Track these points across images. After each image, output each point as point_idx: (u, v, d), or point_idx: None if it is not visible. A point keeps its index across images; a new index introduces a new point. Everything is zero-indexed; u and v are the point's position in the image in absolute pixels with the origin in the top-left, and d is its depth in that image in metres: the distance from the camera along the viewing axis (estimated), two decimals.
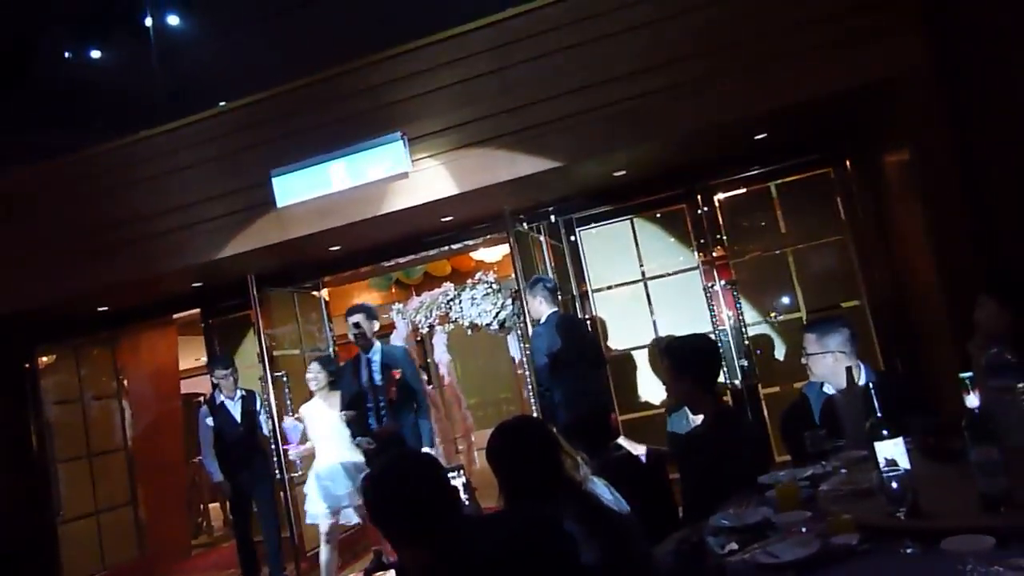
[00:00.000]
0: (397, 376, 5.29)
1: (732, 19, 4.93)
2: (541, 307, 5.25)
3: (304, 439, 5.75)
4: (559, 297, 5.49)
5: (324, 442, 5.63)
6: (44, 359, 7.21)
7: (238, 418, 5.99)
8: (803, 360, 3.17)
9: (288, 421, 5.94)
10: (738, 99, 4.92)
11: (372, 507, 2.02)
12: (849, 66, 4.72)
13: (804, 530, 2.04)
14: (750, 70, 4.89)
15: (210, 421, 5.93)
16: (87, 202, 6.29)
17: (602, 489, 2.45)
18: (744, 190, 6.06)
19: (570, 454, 2.41)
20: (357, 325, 5.40)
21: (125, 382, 7.68)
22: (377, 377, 5.35)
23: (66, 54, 7.84)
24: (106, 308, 7.02)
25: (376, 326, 5.57)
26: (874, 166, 5.60)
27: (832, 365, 3.03)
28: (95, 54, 7.40)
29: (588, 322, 6.08)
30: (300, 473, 6.17)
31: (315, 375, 5.73)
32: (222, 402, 5.99)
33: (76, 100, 8.10)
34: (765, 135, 5.50)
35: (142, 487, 7.52)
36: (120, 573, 7.06)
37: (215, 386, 6.17)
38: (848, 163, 5.81)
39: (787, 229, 6.05)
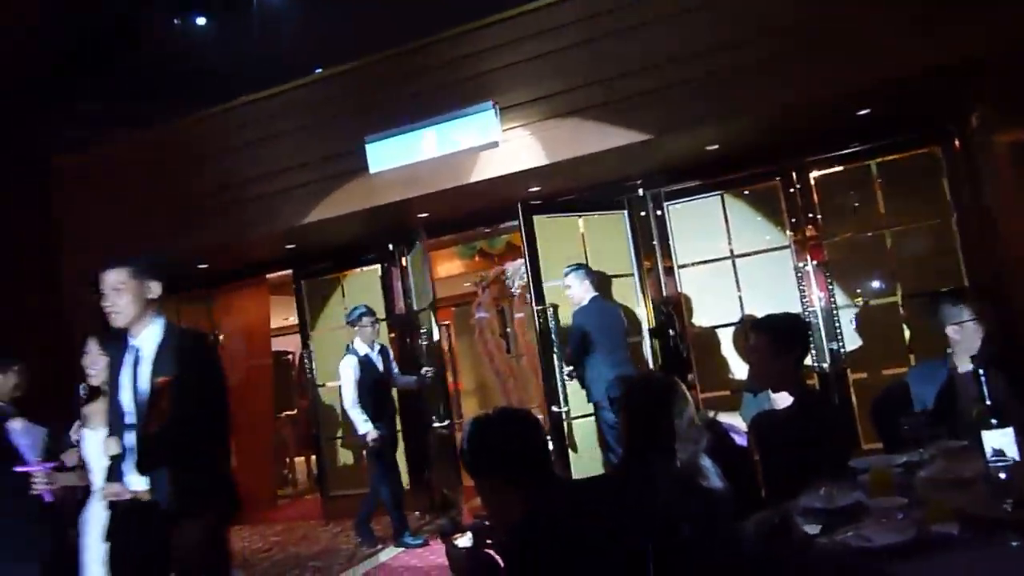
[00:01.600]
0: None
1: None
2: (584, 292, 5.57)
3: None
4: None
5: None
6: None
7: (381, 368, 6.06)
8: (949, 331, 3.22)
9: None
10: (839, 72, 4.73)
11: (474, 451, 2.07)
12: (957, 38, 4.47)
13: (900, 516, 2.00)
14: (852, 42, 4.69)
15: (356, 371, 5.89)
16: (188, 166, 6.60)
17: (706, 461, 2.45)
18: (841, 168, 5.84)
19: (694, 420, 2.46)
20: None
21: (220, 338, 8.04)
22: None
23: (172, 21, 8.15)
24: (205, 266, 7.36)
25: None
26: (984, 146, 5.29)
27: (975, 333, 3.15)
28: (199, 21, 7.66)
29: (622, 309, 5.96)
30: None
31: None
32: (367, 353, 6.01)
33: (178, 68, 8.40)
34: (868, 111, 5.28)
35: (233, 439, 7.86)
36: None
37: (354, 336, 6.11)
38: (956, 142, 5.52)
39: (886, 209, 5.81)
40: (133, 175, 6.80)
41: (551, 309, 5.85)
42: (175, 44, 8.58)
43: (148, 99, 8.25)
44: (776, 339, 2.92)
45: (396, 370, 6.29)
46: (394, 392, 6.31)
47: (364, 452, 6.04)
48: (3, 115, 6.71)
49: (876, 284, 5.89)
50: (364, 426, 5.78)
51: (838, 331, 5.69)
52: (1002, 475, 1.79)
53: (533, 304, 5.87)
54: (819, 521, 2.12)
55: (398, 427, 6.46)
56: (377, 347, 6.12)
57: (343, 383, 5.89)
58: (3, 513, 3.66)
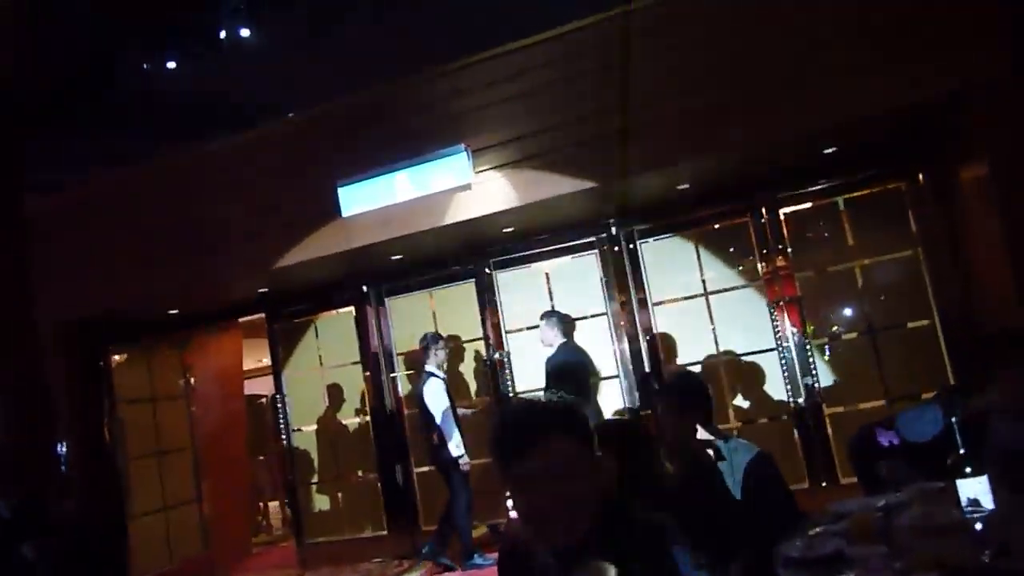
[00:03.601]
0: None
1: (801, 31, 4.86)
2: (554, 337, 5.79)
3: None
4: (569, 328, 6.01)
5: None
6: (116, 358, 7.47)
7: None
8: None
9: None
10: (807, 111, 4.85)
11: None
12: (922, 77, 4.62)
13: (882, 566, 1.99)
14: (818, 83, 4.81)
15: (445, 394, 5.95)
16: (158, 209, 6.55)
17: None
18: (810, 204, 5.94)
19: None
20: None
21: (192, 381, 7.91)
22: None
23: (143, 65, 8.13)
24: (176, 311, 7.27)
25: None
26: (949, 180, 5.42)
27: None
28: (170, 65, 7.65)
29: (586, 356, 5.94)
30: None
31: None
32: (443, 377, 6.08)
33: (150, 110, 8.38)
34: (835, 148, 5.39)
35: (207, 484, 7.75)
36: (186, 568, 7.29)
37: (424, 363, 6.16)
38: (921, 176, 5.65)
39: (855, 243, 5.90)
40: (103, 217, 6.72)
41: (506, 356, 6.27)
42: (147, 85, 8.55)
43: (120, 140, 8.20)
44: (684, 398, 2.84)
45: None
46: None
47: (445, 474, 6.04)
48: None
49: (847, 317, 5.96)
50: (458, 449, 5.87)
51: (812, 366, 5.72)
52: (978, 526, 1.79)
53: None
54: (799, 571, 2.11)
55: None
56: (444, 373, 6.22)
57: (433, 407, 5.97)
58: None
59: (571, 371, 5.41)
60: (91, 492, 6.66)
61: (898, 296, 5.80)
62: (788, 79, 4.88)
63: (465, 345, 6.82)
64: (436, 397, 5.97)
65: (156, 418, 7.59)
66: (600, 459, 1.55)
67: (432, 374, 6.06)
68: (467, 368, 6.84)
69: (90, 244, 6.69)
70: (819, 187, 5.84)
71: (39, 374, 6.71)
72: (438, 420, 5.94)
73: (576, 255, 6.48)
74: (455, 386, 6.64)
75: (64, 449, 5.79)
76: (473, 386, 6.79)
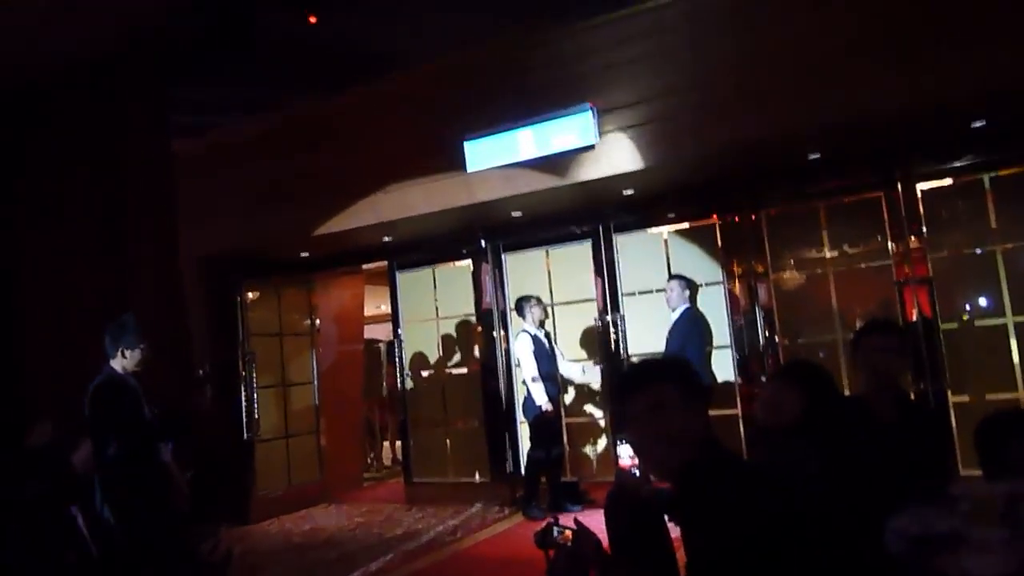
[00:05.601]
0: None
1: None
2: (679, 300, 6.04)
3: None
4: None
5: None
6: (250, 295, 8.01)
7: (548, 348, 6.47)
8: None
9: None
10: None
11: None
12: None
13: (1001, 549, 1.96)
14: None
15: (531, 346, 6.30)
16: (292, 156, 6.91)
17: None
18: (951, 181, 5.62)
19: None
20: None
21: (317, 322, 8.39)
22: None
23: (281, 15, 8.47)
24: (306, 254, 7.71)
25: None
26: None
27: None
28: (311, 18, 7.96)
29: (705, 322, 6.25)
30: None
31: None
32: (535, 334, 6.39)
33: (289, 58, 8.70)
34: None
35: (324, 419, 8.25)
36: (302, 492, 7.83)
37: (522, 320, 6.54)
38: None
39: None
40: (242, 162, 7.17)
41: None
42: (284, 34, 8.90)
43: (259, 88, 8.62)
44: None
45: (560, 356, 6.67)
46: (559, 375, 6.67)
47: (528, 422, 6.44)
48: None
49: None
50: (541, 397, 6.17)
51: (939, 351, 5.46)
52: None
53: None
54: (912, 545, 2.10)
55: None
56: (543, 330, 6.52)
57: (521, 358, 6.38)
58: None
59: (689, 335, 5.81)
60: (224, 414, 7.23)
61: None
62: (936, 40, 4.58)
63: (581, 305, 6.89)
64: (524, 352, 6.31)
65: (283, 353, 8.11)
66: (699, 405, 1.87)
67: (524, 330, 6.40)
68: (582, 328, 6.91)
69: (230, 186, 7.16)
70: (964, 164, 5.50)
71: (182, 303, 7.33)
72: (524, 374, 6.32)
73: (696, 222, 6.41)
74: (570, 344, 6.85)
75: (203, 372, 6.29)
76: (588, 346, 6.87)
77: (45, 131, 6.58)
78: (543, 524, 2.18)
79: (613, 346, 6.48)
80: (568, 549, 2.09)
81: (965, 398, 5.44)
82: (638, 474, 2.11)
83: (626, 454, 4.50)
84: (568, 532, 2.12)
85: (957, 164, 5.54)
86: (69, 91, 6.97)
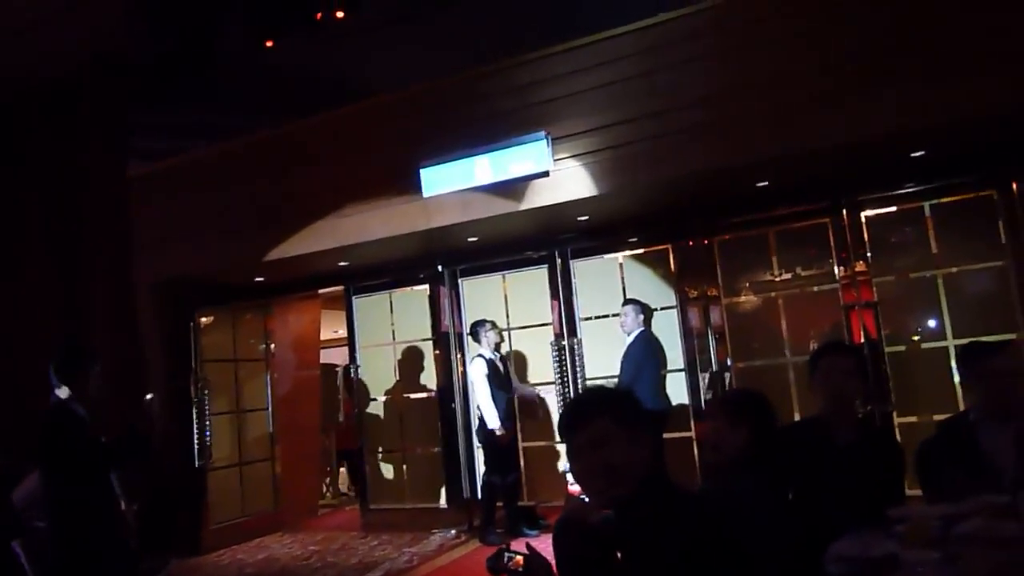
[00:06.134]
0: None
1: (893, 27, 4.75)
2: (634, 324, 6.16)
3: None
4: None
5: None
6: (204, 320, 7.88)
7: (503, 372, 6.50)
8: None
9: None
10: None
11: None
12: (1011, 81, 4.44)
13: (933, 571, 2.01)
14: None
15: (485, 368, 6.34)
16: (248, 181, 6.87)
17: None
18: (895, 208, 5.81)
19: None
20: None
21: (272, 347, 8.28)
22: None
23: (241, 43, 8.47)
24: (261, 279, 7.62)
25: None
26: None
27: None
28: (268, 44, 7.97)
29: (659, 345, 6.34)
30: None
31: None
32: (491, 358, 6.43)
33: (248, 85, 8.69)
34: (922, 153, 5.26)
35: (280, 446, 8.12)
36: (256, 521, 7.68)
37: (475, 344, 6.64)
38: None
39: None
40: (198, 186, 7.10)
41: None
42: (244, 63, 8.90)
43: (215, 114, 8.57)
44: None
45: (516, 380, 6.77)
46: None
47: (483, 447, 6.56)
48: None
49: (927, 326, 5.82)
50: (493, 421, 6.22)
51: (885, 373, 5.61)
52: None
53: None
54: (851, 569, 2.15)
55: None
56: (499, 354, 6.56)
57: (475, 381, 6.45)
58: None
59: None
60: (175, 441, 7.08)
61: (981, 308, 5.63)
62: (880, 75, 4.76)
63: (538, 329, 6.92)
64: (478, 375, 6.36)
65: (238, 378, 7.98)
66: (643, 436, 1.85)
67: (479, 355, 6.44)
68: (539, 352, 6.93)
69: (185, 211, 7.08)
70: (905, 191, 5.70)
71: (134, 329, 7.20)
72: (478, 397, 6.37)
73: (650, 247, 6.52)
74: (525, 370, 6.91)
75: (149, 399, 6.15)
76: (544, 370, 6.89)
77: None
78: (495, 550, 2.18)
79: (570, 370, 6.52)
80: (519, 574, 2.10)
81: (912, 419, 5.58)
82: (587, 500, 2.10)
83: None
84: (519, 558, 2.12)
85: (899, 192, 5.74)
86: (26, 115, 6.87)
